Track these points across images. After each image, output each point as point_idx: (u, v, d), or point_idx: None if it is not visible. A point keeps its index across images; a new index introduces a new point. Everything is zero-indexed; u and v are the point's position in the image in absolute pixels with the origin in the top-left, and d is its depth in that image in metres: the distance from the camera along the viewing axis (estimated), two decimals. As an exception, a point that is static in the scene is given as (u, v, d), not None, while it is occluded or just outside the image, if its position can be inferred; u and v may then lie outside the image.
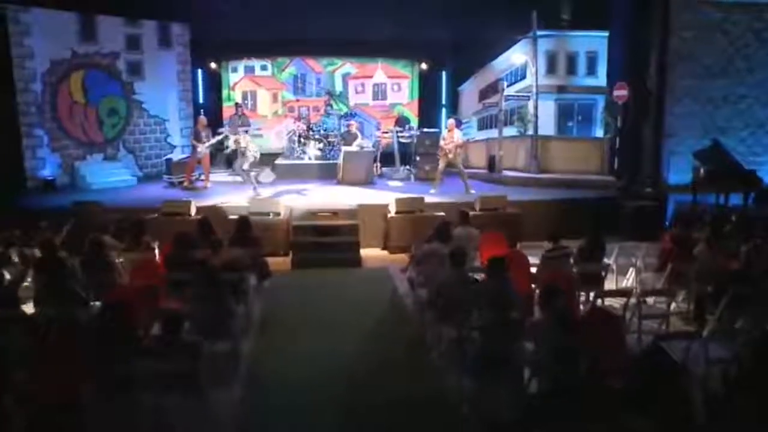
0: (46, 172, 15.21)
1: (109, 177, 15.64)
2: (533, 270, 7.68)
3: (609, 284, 7.94)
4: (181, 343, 4.44)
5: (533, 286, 7.33)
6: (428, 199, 11.91)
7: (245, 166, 13.23)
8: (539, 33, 15.85)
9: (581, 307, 7.07)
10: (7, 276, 6.47)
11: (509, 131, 17.92)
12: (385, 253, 11.47)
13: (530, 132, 16.63)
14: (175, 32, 17.88)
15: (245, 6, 16.49)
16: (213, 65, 19.76)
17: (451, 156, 13.12)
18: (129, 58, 16.94)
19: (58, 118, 15.58)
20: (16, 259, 7.90)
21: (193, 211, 11.09)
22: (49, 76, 15.29)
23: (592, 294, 6.94)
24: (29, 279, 6.96)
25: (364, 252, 10.98)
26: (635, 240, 10.49)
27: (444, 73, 20.84)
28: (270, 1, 16.48)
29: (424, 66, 20.32)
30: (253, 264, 7.81)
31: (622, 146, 14.44)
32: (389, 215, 11.37)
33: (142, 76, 17.27)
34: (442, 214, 11.24)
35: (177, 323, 4.52)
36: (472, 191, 13.05)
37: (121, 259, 8.04)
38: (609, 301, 7.13)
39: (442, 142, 13.44)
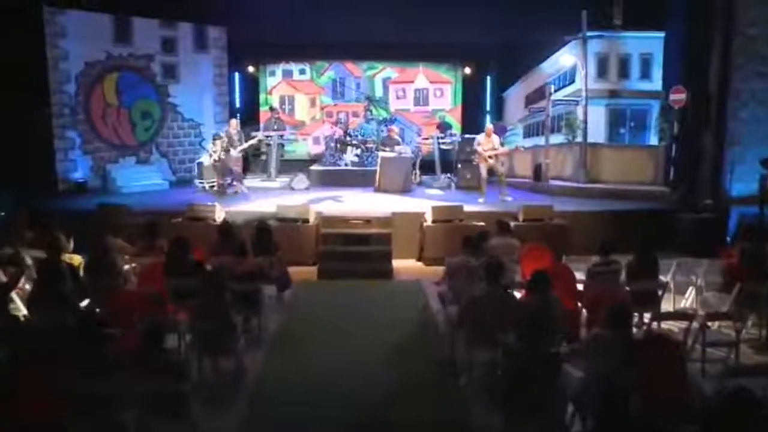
0: (78, 175, 15.13)
1: (141, 180, 15.46)
2: (580, 287, 6.98)
3: (665, 304, 7.17)
4: (162, 361, 3.92)
5: (579, 304, 6.65)
6: (468, 207, 11.27)
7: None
8: (589, 34, 15.06)
9: (633, 329, 6.32)
10: (3, 278, 6.07)
11: (556, 138, 17.13)
12: (420, 265, 10.86)
13: (579, 139, 15.90)
14: (211, 35, 17.67)
15: (284, 8, 16.22)
16: (250, 69, 19.58)
17: (492, 161, 12.47)
18: (164, 61, 16.78)
19: (91, 120, 15.50)
20: (29, 261, 7.59)
21: (218, 216, 10.70)
22: (82, 77, 15.24)
23: (646, 316, 6.19)
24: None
25: (397, 263, 10.38)
26: (694, 255, 9.60)
27: (488, 77, 20.21)
28: (309, 3, 16.16)
29: (467, 70, 19.73)
30: (272, 273, 7.31)
31: (679, 154, 13.51)
32: (425, 224, 10.77)
33: (177, 78, 17.09)
34: (482, 224, 10.59)
35: (155, 337, 3.98)
36: (508, 198, 12.68)
37: (133, 264, 7.68)
38: (666, 324, 6.37)
39: (478, 148, 12.79)
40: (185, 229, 10.10)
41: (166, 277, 6.60)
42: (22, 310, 5.70)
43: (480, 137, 13.00)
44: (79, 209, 12.07)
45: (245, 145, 14.22)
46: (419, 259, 10.96)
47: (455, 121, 19.40)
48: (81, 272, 6.75)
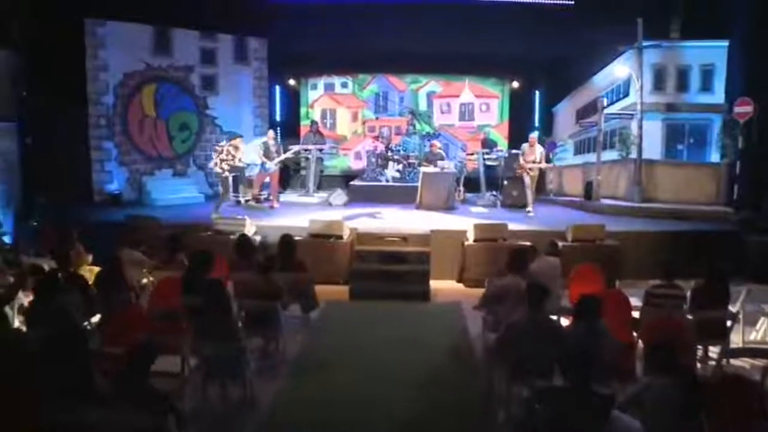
0: (113, 186, 15.06)
1: (176, 193, 15.28)
2: (635, 314, 6.31)
3: (735, 337, 6.41)
4: (141, 389, 3.43)
5: (635, 334, 5.98)
6: (513, 226, 10.62)
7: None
8: (645, 44, 14.29)
9: (699, 365, 5.63)
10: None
11: (609, 155, 16.34)
12: (460, 286, 10.26)
13: (633, 155, 15.07)
14: (251, 47, 17.55)
15: (326, 20, 16.04)
16: (291, 82, 19.32)
17: (532, 173, 11.97)
18: (203, 72, 16.69)
19: (128, 132, 15.45)
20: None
21: (248, 230, 10.33)
22: (121, 88, 15.23)
23: (714, 350, 5.48)
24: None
25: (435, 284, 9.80)
26: (763, 282, 8.77)
27: (537, 92, 19.53)
28: (352, 15, 15.84)
29: (515, 84, 19.14)
30: (295, 292, 6.83)
31: (744, 172, 12.63)
32: (466, 243, 10.18)
33: (216, 90, 16.96)
34: (528, 243, 9.94)
35: (140, 359, 3.50)
36: (530, 213, 12.47)
37: (151, 278, 7.34)
38: (738, 361, 5.64)
39: (521, 160, 12.22)
40: (212, 243, 9.85)
41: (183, 293, 6.19)
42: (14, 323, 5.34)
43: (524, 146, 12.48)
44: (110, 221, 11.90)
45: (281, 158, 13.85)
46: (459, 281, 10.36)
47: (501, 137, 18.74)
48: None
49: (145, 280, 7.49)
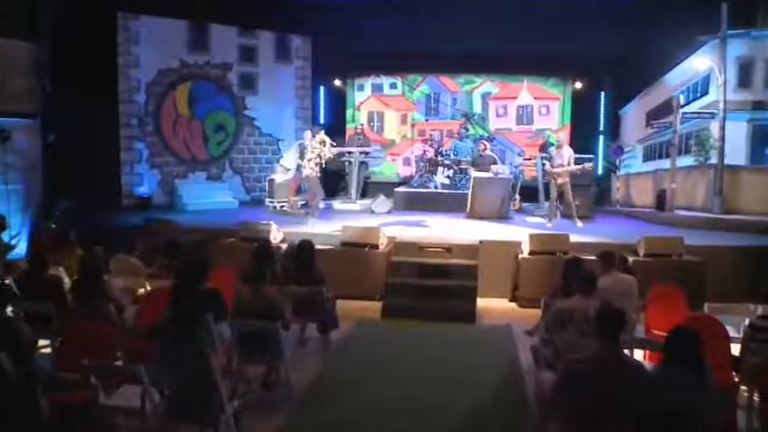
0: (143, 189, 14.50)
1: (209, 198, 14.60)
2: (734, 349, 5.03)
3: None
4: None
5: (735, 377, 4.71)
6: (574, 238, 9.34)
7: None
8: (729, 33, 12.75)
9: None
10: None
11: (684, 161, 14.78)
12: (513, 306, 9.04)
13: (713, 161, 13.59)
14: (294, 44, 16.86)
15: (373, 17, 15.25)
16: (337, 82, 18.37)
17: (561, 181, 11.17)
18: (242, 71, 16.04)
19: (161, 132, 14.89)
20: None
21: (274, 237, 9.38)
22: (154, 86, 14.69)
23: None
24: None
25: (483, 303, 8.61)
26: None
27: (602, 93, 18.03)
28: (401, 12, 14.97)
29: (578, 85, 17.66)
30: (308, 309, 5.77)
31: None
32: (521, 256, 8.95)
33: (256, 90, 16.29)
34: (592, 257, 8.66)
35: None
36: (579, 224, 11.43)
37: (149, 287, 6.43)
38: None
39: (547, 165, 11.25)
40: (234, 250, 9.08)
41: (171, 306, 5.20)
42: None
43: (551, 151, 11.28)
44: (130, 225, 11.22)
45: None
46: (512, 299, 9.14)
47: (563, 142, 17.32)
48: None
49: (141, 290, 6.57)
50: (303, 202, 13.42)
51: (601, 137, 17.76)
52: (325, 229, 10.28)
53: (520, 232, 10.40)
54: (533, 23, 14.75)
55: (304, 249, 6.57)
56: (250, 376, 5.00)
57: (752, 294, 8.71)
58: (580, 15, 14.66)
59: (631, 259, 8.43)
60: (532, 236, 9.01)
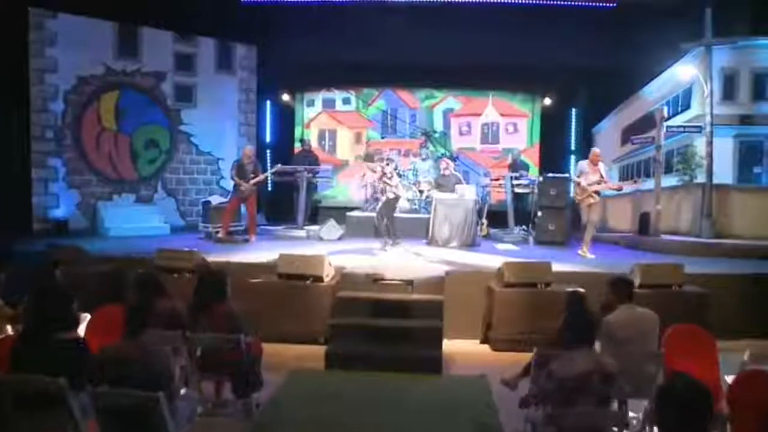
0: (59, 212, 12.78)
1: (136, 222, 12.93)
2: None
3: None
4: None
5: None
6: (557, 267, 7.94)
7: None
8: (714, 41, 11.70)
9: None
10: None
11: (667, 181, 13.68)
12: (485, 349, 7.56)
13: (699, 180, 12.50)
14: (238, 54, 15.52)
15: (325, 26, 14.26)
16: (285, 96, 16.97)
17: (592, 201, 9.77)
18: (178, 81, 14.58)
19: (81, 147, 13.27)
20: None
21: (197, 267, 7.78)
22: (74, 94, 13.11)
23: None
24: None
25: (450, 346, 7.13)
26: None
27: (573, 109, 17.08)
28: (355, 20, 14.16)
29: (547, 101, 16.66)
30: (221, 363, 4.20)
31: None
32: (495, 289, 7.47)
33: (193, 103, 14.81)
34: (580, 289, 7.32)
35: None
36: (589, 256, 9.86)
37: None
38: None
39: (582, 181, 9.83)
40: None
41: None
42: None
43: (582, 165, 9.91)
44: (35, 252, 9.42)
45: (261, 178, 11.44)
46: (485, 341, 7.65)
47: (532, 163, 16.15)
48: None
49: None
50: (241, 227, 11.96)
51: (572, 158, 16.65)
52: (263, 257, 8.73)
53: (491, 261, 9.06)
54: (499, 33, 13.88)
55: (206, 281, 4.98)
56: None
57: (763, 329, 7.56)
58: (550, 24, 13.91)
59: None
60: (508, 265, 7.56)
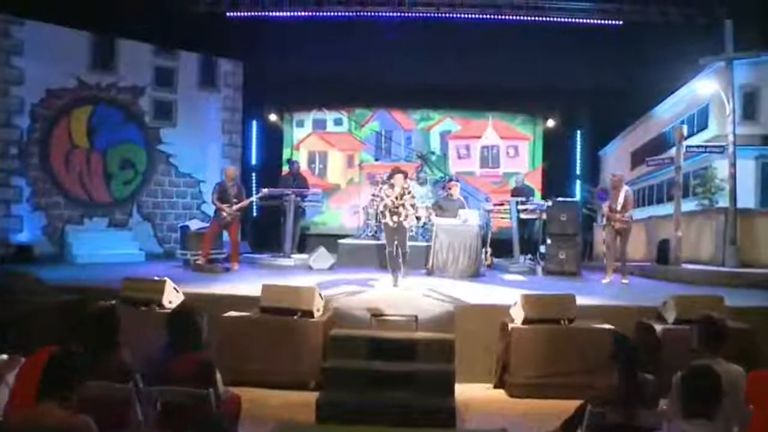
0: (23, 237, 11.80)
1: (107, 249, 11.95)
2: None
3: None
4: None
5: None
6: (579, 300, 7.02)
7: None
8: (736, 56, 11.00)
9: None
10: None
11: (685, 206, 12.93)
12: (500, 394, 6.59)
13: (721, 204, 11.89)
14: (222, 69, 14.74)
15: (317, 42, 13.74)
16: (272, 116, 16.21)
17: (618, 226, 9.54)
18: (156, 97, 13.75)
19: (49, 166, 12.35)
20: None
21: (168, 299, 6.85)
22: (42, 109, 12.21)
23: None
24: None
25: (461, 392, 6.14)
26: None
27: (578, 131, 16.42)
28: (348, 37, 13.84)
29: (550, 123, 15.98)
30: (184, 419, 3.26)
31: None
32: (512, 326, 6.54)
33: (173, 121, 13.96)
34: (608, 326, 6.48)
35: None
36: (624, 281, 9.75)
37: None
38: None
39: (605, 209, 9.67)
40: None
41: None
42: None
43: (597, 192, 9.40)
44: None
45: (245, 203, 10.60)
46: (499, 385, 6.69)
47: (535, 188, 15.41)
48: None
49: None
50: (223, 255, 11.06)
51: (578, 182, 16.00)
52: (246, 288, 7.78)
53: (500, 294, 8.18)
54: (499, 51, 13.59)
55: (176, 324, 4.02)
56: None
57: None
58: (552, 43, 13.48)
59: (658, 327, 6.52)
60: (527, 298, 6.63)
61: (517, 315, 6.60)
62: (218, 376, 4.00)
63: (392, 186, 8.86)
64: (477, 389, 6.64)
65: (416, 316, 6.62)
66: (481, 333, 6.91)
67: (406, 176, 9.10)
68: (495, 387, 6.73)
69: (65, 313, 6.93)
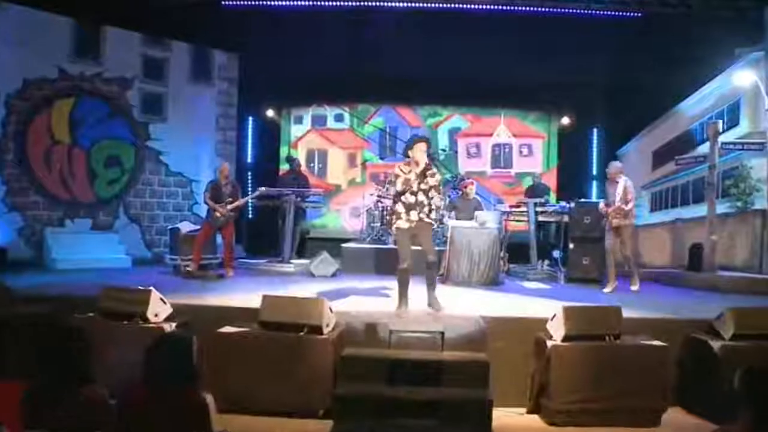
0: (-4, 239, 11.12)
1: (90, 253, 11.26)
2: None
3: None
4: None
5: None
6: (626, 312, 6.24)
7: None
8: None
9: None
10: None
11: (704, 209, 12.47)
12: (536, 422, 5.78)
13: (757, 206, 11.40)
14: (217, 62, 14.22)
15: (317, 34, 13.45)
16: (269, 112, 15.62)
17: (615, 223, 8.88)
18: (146, 90, 13.17)
19: (26, 163, 11.69)
20: None
21: (154, 312, 6.05)
22: (19, 100, 11.56)
23: None
24: None
25: (499, 418, 5.32)
26: None
27: (595, 130, 15.82)
28: (351, 28, 13.53)
29: (565, 121, 15.42)
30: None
31: None
32: (550, 343, 5.72)
33: (163, 116, 13.39)
34: (658, 343, 5.78)
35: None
36: (634, 288, 9.04)
37: None
38: None
39: (602, 207, 9.13)
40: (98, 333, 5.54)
41: None
42: None
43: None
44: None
45: (240, 202, 9.97)
46: (534, 410, 5.88)
47: (549, 189, 14.79)
48: None
49: None
50: (216, 260, 10.42)
51: (595, 183, 15.38)
52: (242, 298, 7.00)
53: (528, 304, 7.43)
54: (511, 45, 13.18)
55: (161, 353, 3.20)
56: None
57: None
58: (567, 35, 13.07)
59: (716, 344, 5.77)
60: (568, 311, 5.79)
61: (557, 330, 5.78)
62: (213, 414, 3.22)
63: (408, 163, 6.69)
64: (508, 415, 5.82)
65: (442, 332, 5.79)
66: (511, 350, 6.09)
67: (429, 144, 6.97)
68: (529, 412, 5.93)
69: (33, 329, 6.14)
